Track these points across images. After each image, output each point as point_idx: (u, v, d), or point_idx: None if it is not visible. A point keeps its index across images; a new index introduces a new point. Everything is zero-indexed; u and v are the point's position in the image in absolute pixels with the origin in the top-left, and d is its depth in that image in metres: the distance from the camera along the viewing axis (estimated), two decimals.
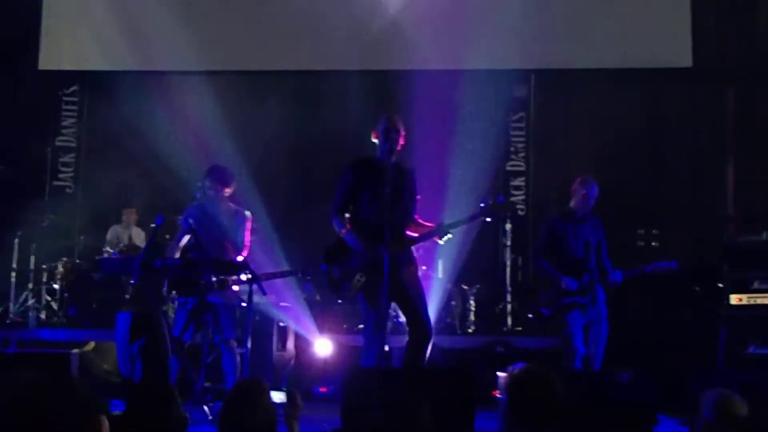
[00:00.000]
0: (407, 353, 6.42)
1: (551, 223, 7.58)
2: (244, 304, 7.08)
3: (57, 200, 11.87)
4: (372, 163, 6.48)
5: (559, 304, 7.28)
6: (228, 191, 7.21)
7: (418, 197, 6.58)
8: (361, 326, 9.22)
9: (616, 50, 11.24)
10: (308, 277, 8.26)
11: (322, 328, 8.93)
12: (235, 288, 7.03)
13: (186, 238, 7.20)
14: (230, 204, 7.24)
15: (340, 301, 6.81)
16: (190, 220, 7.01)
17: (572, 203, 7.52)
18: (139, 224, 11.09)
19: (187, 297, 6.88)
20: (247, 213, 7.33)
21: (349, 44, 11.59)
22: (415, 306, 6.37)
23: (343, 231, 6.42)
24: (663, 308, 9.12)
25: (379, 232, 6.16)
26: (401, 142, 6.42)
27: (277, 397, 4.37)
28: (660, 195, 11.24)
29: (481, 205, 6.43)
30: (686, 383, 5.72)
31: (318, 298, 10.11)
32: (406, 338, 6.49)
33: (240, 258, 7.11)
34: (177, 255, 7.14)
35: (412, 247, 6.61)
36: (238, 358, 7.09)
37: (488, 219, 6.51)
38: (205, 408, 6.73)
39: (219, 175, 7.13)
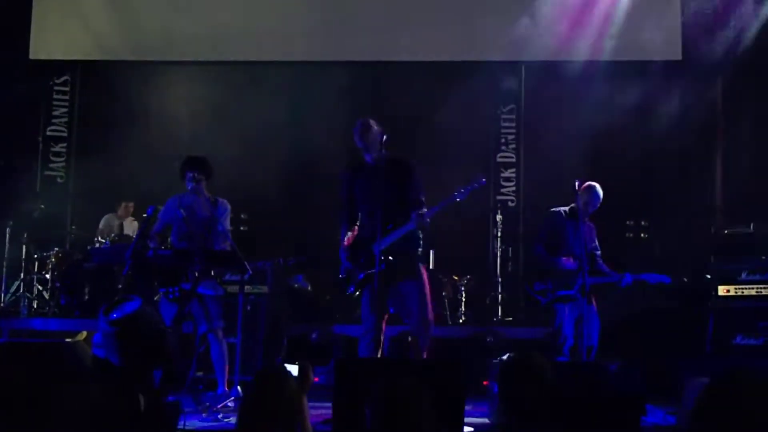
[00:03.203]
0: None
1: (555, 217, 7.70)
2: (225, 292, 7.13)
3: (48, 190, 11.88)
4: (360, 165, 6.75)
5: (554, 295, 7.39)
6: (207, 181, 7.21)
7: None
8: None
9: (606, 43, 11.28)
10: (291, 264, 8.28)
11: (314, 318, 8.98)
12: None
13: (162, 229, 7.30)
14: (209, 194, 7.24)
15: (349, 292, 6.98)
16: (182, 211, 7.03)
17: (575, 204, 7.58)
18: (132, 215, 11.10)
19: (169, 287, 6.87)
20: (226, 202, 7.33)
21: (339, 35, 11.60)
22: (412, 314, 6.60)
23: (342, 247, 6.78)
24: (651, 299, 9.19)
25: (374, 231, 6.45)
26: (378, 137, 6.60)
27: (290, 370, 4.34)
28: (649, 187, 11.30)
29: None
30: (674, 373, 5.79)
31: (309, 288, 10.15)
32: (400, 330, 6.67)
33: (226, 247, 7.11)
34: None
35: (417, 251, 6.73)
36: (226, 348, 7.12)
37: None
38: (198, 397, 6.77)
39: (198, 166, 7.13)
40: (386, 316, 6.70)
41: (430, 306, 6.64)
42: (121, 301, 6.08)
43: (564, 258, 7.44)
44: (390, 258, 6.44)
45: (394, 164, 6.67)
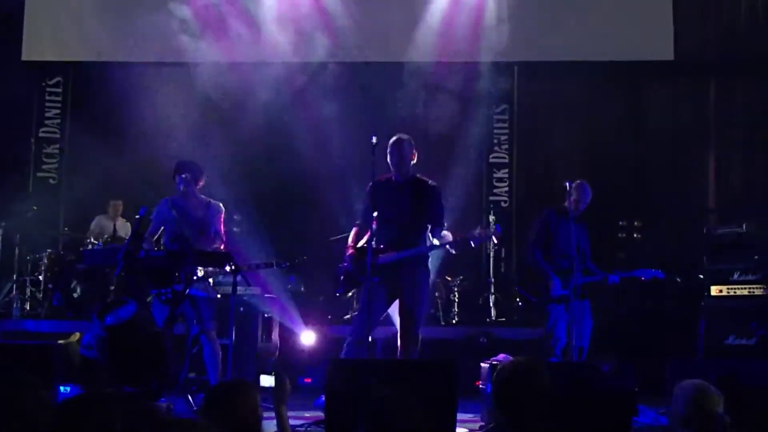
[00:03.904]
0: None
1: (548, 216, 7.68)
2: (219, 296, 7.12)
3: (41, 191, 11.85)
4: (387, 181, 6.87)
5: (547, 296, 7.39)
6: (200, 184, 7.23)
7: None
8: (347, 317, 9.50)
9: (599, 43, 11.29)
10: (285, 267, 8.28)
11: (306, 319, 8.98)
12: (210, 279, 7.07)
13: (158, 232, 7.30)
14: (202, 196, 7.26)
15: (339, 293, 7.11)
16: (174, 212, 7.04)
17: (566, 203, 7.58)
18: (124, 216, 11.08)
19: (162, 288, 6.85)
20: (220, 204, 7.34)
21: (332, 37, 11.59)
22: (405, 321, 6.66)
23: (348, 249, 6.89)
24: (644, 299, 9.20)
25: (384, 244, 6.60)
26: (409, 158, 6.79)
27: (266, 381, 4.36)
28: (642, 187, 11.31)
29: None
30: (666, 374, 5.79)
31: (303, 289, 10.14)
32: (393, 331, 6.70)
33: (219, 248, 7.12)
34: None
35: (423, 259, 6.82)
36: (219, 349, 7.11)
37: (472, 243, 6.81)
38: (190, 399, 6.76)
39: (190, 170, 7.15)
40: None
41: (421, 322, 6.75)
42: (115, 305, 6.07)
43: (556, 278, 7.42)
44: (394, 270, 6.57)
45: (420, 185, 6.81)
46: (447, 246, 6.67)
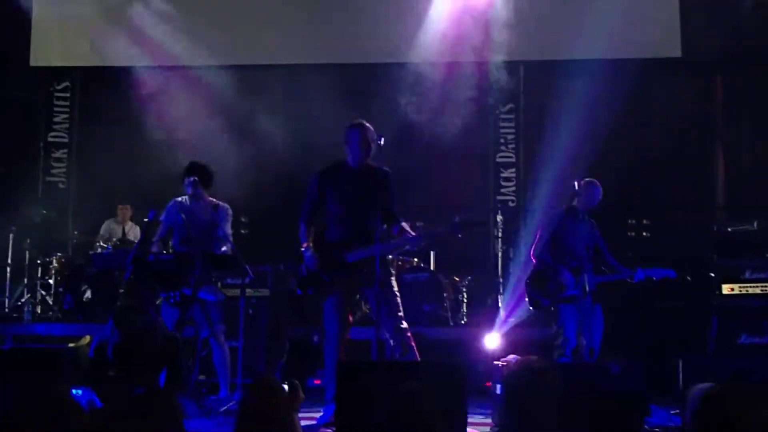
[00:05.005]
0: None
1: (554, 219, 7.67)
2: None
3: (50, 195, 11.92)
4: (339, 169, 6.62)
5: (558, 296, 7.36)
6: (206, 188, 7.22)
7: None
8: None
9: (605, 41, 11.24)
10: (291, 267, 8.28)
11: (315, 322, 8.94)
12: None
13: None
14: (210, 198, 7.26)
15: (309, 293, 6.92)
16: (183, 215, 7.05)
17: (575, 202, 7.56)
18: (133, 219, 11.11)
19: (171, 292, 6.85)
20: (228, 206, 7.33)
21: (338, 38, 11.59)
22: (384, 318, 6.35)
23: (304, 245, 6.59)
24: (654, 298, 9.16)
25: (346, 237, 6.43)
26: (370, 145, 6.49)
27: None
28: (650, 185, 11.27)
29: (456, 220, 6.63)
30: (678, 374, 5.77)
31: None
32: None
33: (227, 251, 7.12)
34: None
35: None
36: (228, 352, 7.12)
37: (460, 235, 6.65)
38: (200, 401, 6.77)
39: (198, 172, 7.15)
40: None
41: (401, 312, 6.46)
42: (131, 311, 6.07)
43: (567, 272, 7.39)
44: (360, 267, 6.38)
45: (375, 174, 6.54)
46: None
